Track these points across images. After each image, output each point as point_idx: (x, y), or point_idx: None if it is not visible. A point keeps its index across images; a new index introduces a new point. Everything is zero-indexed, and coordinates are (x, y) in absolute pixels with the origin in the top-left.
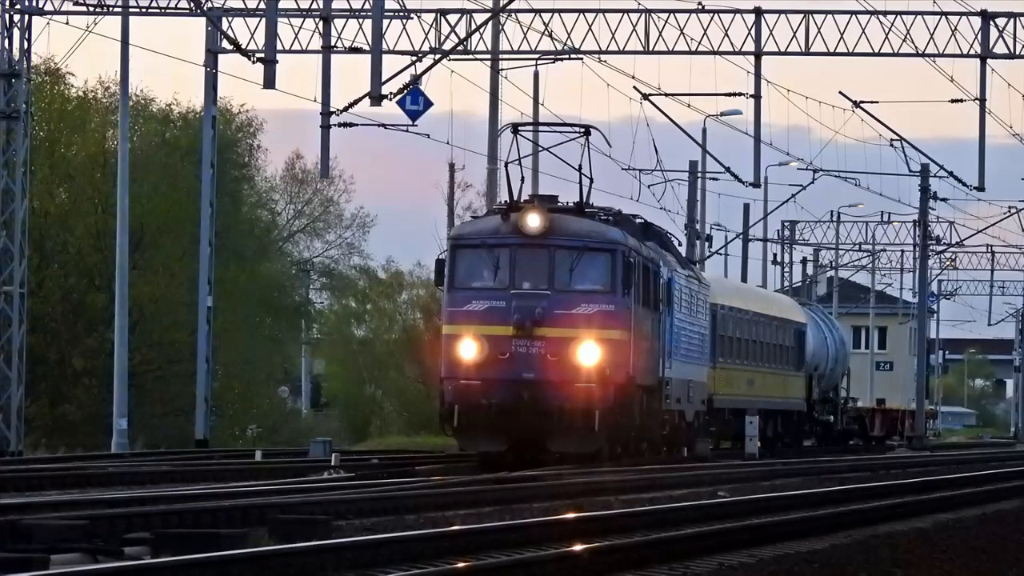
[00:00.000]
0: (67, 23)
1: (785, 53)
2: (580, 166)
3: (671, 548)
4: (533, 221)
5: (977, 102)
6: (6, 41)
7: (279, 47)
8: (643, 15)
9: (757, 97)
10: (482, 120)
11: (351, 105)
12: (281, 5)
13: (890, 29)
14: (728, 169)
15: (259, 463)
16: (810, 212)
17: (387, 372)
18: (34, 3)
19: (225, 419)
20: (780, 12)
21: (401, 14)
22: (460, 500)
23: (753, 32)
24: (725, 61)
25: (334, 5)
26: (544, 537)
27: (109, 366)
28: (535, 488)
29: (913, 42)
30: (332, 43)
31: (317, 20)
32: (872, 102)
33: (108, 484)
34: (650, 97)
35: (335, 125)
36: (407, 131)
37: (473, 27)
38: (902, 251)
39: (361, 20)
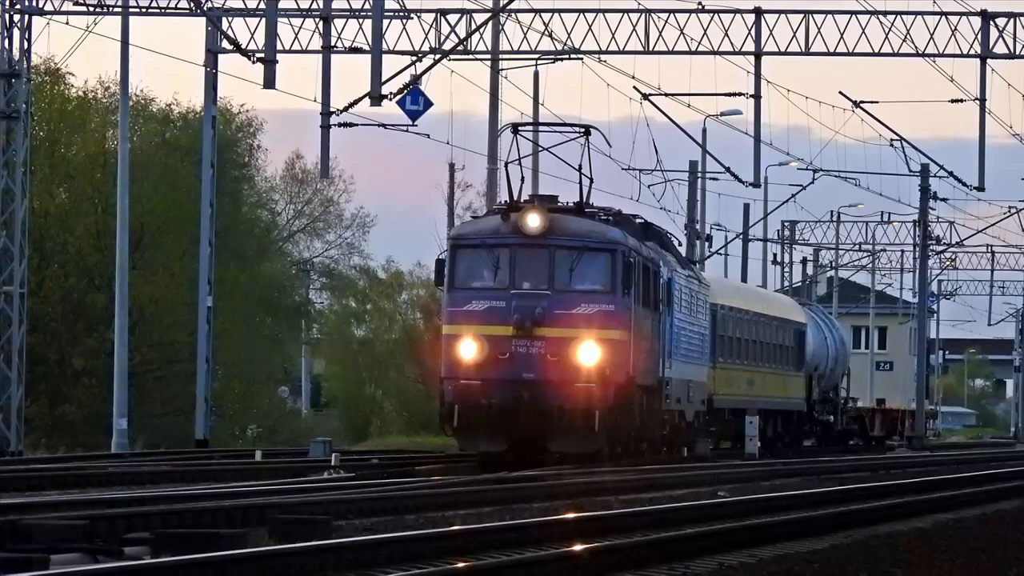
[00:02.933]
0: (67, 23)
1: (785, 53)
2: (580, 166)
3: (671, 548)
4: (533, 221)
5: (977, 102)
6: (6, 41)
7: (279, 47)
8: (643, 15)
9: (757, 97)
10: (482, 120)
11: (351, 105)
12: (281, 5)
13: (890, 29)
14: (728, 169)
15: (259, 463)
16: (810, 212)
17: (387, 372)
18: (34, 3)
19: (225, 419)
20: (780, 12)
21: (401, 14)
22: (460, 500)
23: (753, 32)
24: (725, 61)
25: (334, 5)
26: (544, 537)
27: (109, 366)
28: (535, 488)
29: (913, 42)
30: (332, 43)
31: (317, 20)
32: (872, 102)
33: (108, 484)
34: (650, 97)
35: (335, 125)
36: (407, 131)
37: (473, 27)
38: (902, 251)
39: (361, 20)
